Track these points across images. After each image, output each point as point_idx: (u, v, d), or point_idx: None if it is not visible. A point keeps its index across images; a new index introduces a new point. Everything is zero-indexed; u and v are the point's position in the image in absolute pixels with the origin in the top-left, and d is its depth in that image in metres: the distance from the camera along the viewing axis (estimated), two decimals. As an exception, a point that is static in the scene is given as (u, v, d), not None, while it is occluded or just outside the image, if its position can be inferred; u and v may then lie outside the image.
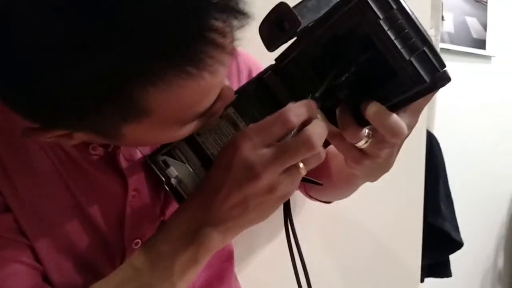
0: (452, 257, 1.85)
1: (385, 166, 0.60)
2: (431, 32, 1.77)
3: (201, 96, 0.48)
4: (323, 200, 0.90)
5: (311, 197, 0.91)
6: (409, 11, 0.46)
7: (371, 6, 0.45)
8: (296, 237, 0.61)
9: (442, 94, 1.82)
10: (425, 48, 0.46)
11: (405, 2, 0.46)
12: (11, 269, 0.59)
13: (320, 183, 0.68)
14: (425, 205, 1.32)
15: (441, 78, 0.47)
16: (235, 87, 0.60)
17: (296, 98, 0.53)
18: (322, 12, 0.51)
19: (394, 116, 0.50)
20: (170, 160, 0.59)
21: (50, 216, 0.62)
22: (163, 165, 0.59)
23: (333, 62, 0.52)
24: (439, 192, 1.72)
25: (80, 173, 0.62)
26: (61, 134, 0.50)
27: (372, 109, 0.50)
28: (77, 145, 0.58)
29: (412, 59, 0.46)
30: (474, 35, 2.26)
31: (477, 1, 2.28)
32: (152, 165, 0.60)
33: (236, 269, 0.87)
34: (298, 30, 0.51)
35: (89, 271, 0.65)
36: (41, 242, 0.62)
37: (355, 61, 0.50)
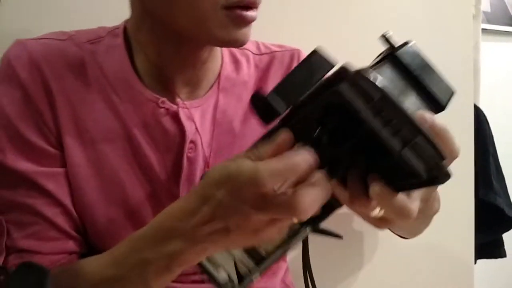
0: (506, 236, 1.77)
1: (400, 219, 0.52)
2: (471, 10, 1.71)
3: None
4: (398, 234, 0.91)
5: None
6: (394, 100, 0.41)
7: (349, 99, 0.41)
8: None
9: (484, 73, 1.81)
10: (418, 138, 0.41)
11: (388, 90, 0.41)
12: (46, 231, 0.70)
13: (341, 236, 0.68)
14: (476, 180, 1.27)
15: (439, 173, 0.42)
16: None
17: None
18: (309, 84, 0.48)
19: (399, 198, 0.46)
20: None
21: (110, 162, 0.74)
22: None
23: (328, 134, 0.48)
24: (490, 167, 1.65)
25: (145, 124, 0.75)
26: None
27: (375, 189, 0.46)
28: (149, 98, 0.75)
29: (405, 151, 0.41)
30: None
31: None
32: None
33: None
34: (289, 108, 0.48)
35: (138, 223, 0.70)
36: (95, 189, 0.73)
37: (354, 137, 0.46)
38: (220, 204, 0.48)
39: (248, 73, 0.86)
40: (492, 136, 1.74)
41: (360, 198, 0.48)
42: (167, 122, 0.76)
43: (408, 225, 0.79)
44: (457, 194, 1.21)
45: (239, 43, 0.70)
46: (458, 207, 1.22)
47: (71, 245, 0.72)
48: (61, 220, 0.71)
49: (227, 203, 0.47)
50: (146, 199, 0.75)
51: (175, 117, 0.76)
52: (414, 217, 0.47)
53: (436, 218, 0.73)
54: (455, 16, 1.26)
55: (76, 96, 0.73)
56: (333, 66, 0.49)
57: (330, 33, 1.15)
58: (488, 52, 2.07)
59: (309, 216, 0.46)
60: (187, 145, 0.76)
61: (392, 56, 0.52)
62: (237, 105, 0.83)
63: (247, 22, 0.68)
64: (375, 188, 0.45)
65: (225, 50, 0.86)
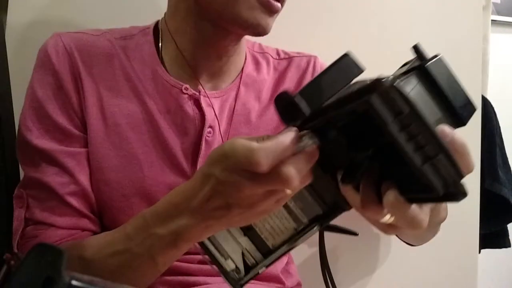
0: (510, 226, 1.77)
1: (412, 229, 0.52)
2: (481, 1, 1.71)
3: None
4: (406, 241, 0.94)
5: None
6: (422, 116, 0.41)
7: (378, 110, 0.41)
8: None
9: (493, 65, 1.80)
10: (440, 156, 0.41)
11: (418, 106, 0.41)
12: (60, 208, 0.75)
13: (356, 233, 0.74)
14: (482, 171, 1.27)
15: (456, 191, 0.42)
16: None
17: (321, 159, 0.50)
18: (339, 86, 0.49)
19: (413, 209, 0.46)
20: None
21: (131, 145, 0.79)
22: None
23: (351, 138, 0.49)
24: (496, 158, 1.65)
25: (168, 109, 0.82)
26: None
27: (389, 198, 0.46)
28: (173, 84, 0.82)
29: (425, 166, 0.41)
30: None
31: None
32: None
33: None
34: (313, 110, 0.48)
35: (153, 203, 0.73)
36: (115, 169, 0.78)
37: (375, 144, 0.46)
38: (218, 181, 0.50)
39: (267, 73, 0.93)
40: (499, 127, 1.73)
41: (372, 204, 0.49)
42: (189, 107, 0.83)
43: (416, 233, 0.81)
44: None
45: (261, 28, 0.77)
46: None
47: (84, 222, 0.77)
48: (75, 200, 0.76)
49: (224, 179, 0.49)
50: (163, 180, 0.80)
51: (196, 102, 0.83)
52: (425, 228, 0.47)
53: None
54: (465, 7, 1.26)
55: (103, 83, 0.81)
56: (362, 71, 0.50)
57: (340, 26, 1.16)
58: (498, 43, 2.08)
59: (296, 184, 0.47)
60: (206, 129, 0.82)
61: (421, 68, 0.52)
62: (255, 100, 0.90)
63: (273, 10, 0.76)
64: (389, 197, 0.46)
65: (248, 53, 0.93)
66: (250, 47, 0.96)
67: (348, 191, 0.52)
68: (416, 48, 0.54)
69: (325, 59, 1.00)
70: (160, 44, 0.86)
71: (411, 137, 0.41)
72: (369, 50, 1.16)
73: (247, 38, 0.92)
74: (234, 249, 0.58)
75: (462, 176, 0.42)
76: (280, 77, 0.94)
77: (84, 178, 0.78)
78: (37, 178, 0.76)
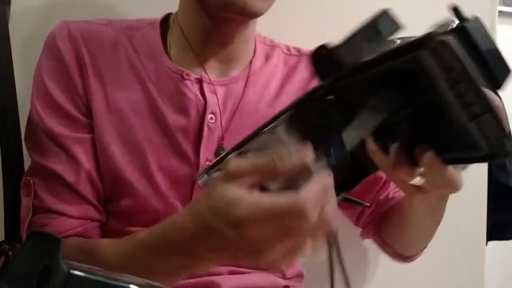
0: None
1: (450, 189, 0.54)
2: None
3: None
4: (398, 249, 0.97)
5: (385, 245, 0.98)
6: (472, 74, 0.41)
7: (428, 66, 0.41)
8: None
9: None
10: (487, 115, 0.41)
11: (470, 65, 0.41)
12: (68, 195, 0.77)
13: (367, 204, 0.78)
14: (489, 162, 1.26)
15: (501, 149, 0.42)
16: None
17: (348, 122, 0.49)
18: (376, 44, 0.48)
19: (449, 170, 0.47)
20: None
21: (134, 130, 0.80)
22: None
23: (389, 97, 0.48)
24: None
25: (171, 95, 0.82)
26: None
27: (426, 159, 0.47)
28: (175, 71, 0.83)
29: (471, 124, 0.41)
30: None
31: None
32: (204, 184, 0.58)
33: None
34: (355, 65, 0.47)
35: (155, 188, 0.79)
36: (119, 154, 0.79)
37: (416, 103, 0.46)
38: (221, 234, 0.48)
39: (277, 66, 0.93)
40: (507, 118, 1.71)
41: (404, 165, 0.49)
42: (191, 93, 0.83)
43: (424, 216, 0.83)
44: (470, 175, 1.21)
45: (235, 8, 0.75)
46: (471, 188, 1.22)
47: (92, 211, 0.78)
48: (83, 187, 0.77)
49: (251, 236, 0.46)
50: (166, 166, 0.81)
51: (199, 88, 0.84)
52: (460, 188, 0.49)
53: (449, 198, 0.74)
54: (472, -2, 1.25)
55: (107, 71, 0.82)
56: (400, 28, 0.49)
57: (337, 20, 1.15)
58: (505, 34, 2.05)
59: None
60: (208, 115, 0.83)
61: (462, 28, 0.50)
62: (264, 91, 0.90)
63: None
64: (427, 157, 0.46)
65: (259, 45, 0.93)
66: (261, 40, 0.96)
67: (376, 153, 0.52)
68: (455, 10, 0.53)
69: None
70: (168, 32, 0.88)
71: (459, 95, 0.41)
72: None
73: (258, 32, 0.93)
74: None
75: (508, 135, 0.42)
76: (290, 72, 0.94)
77: (91, 165, 0.79)
78: (45, 165, 0.77)
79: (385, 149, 0.52)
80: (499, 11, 1.91)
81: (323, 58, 0.49)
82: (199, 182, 0.61)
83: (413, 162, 0.50)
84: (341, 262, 0.56)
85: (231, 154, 0.57)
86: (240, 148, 0.57)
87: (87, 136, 0.79)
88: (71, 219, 0.76)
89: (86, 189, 0.78)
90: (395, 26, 0.49)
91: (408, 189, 0.55)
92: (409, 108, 0.47)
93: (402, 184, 0.55)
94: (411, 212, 0.84)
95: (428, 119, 0.46)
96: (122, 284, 0.36)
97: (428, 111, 0.45)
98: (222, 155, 0.59)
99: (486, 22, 1.27)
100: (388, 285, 1.02)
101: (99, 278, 0.35)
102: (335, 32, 1.12)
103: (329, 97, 0.55)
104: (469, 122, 0.41)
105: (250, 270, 0.83)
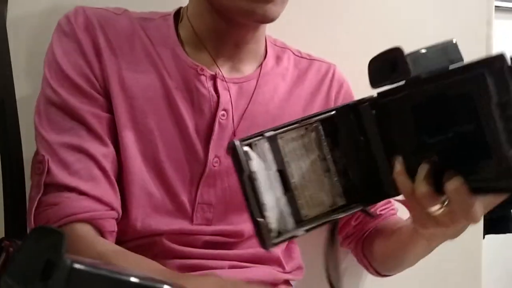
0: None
1: (451, 235, 0.57)
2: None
3: None
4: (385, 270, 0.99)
5: (364, 259, 1.00)
6: None
7: (488, 86, 0.40)
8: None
9: (496, 51, 1.76)
10: None
11: None
12: (89, 169, 0.75)
13: (374, 214, 0.78)
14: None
15: None
16: (324, 98, 0.94)
17: (384, 138, 0.51)
18: (438, 65, 0.48)
19: (474, 199, 0.46)
20: (252, 153, 0.56)
21: (147, 118, 0.80)
22: (244, 156, 0.55)
23: (433, 119, 0.48)
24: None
25: (184, 87, 0.83)
26: None
27: (454, 185, 0.46)
28: (190, 65, 0.83)
29: (510, 153, 0.41)
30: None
31: None
32: (237, 150, 0.56)
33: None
34: (408, 78, 0.48)
35: (162, 179, 0.80)
36: (131, 140, 0.79)
37: (455, 128, 0.46)
38: None
39: (287, 68, 0.94)
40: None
41: (428, 189, 0.49)
42: (204, 88, 0.83)
43: (427, 245, 0.83)
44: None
45: (257, 16, 0.77)
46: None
47: (111, 195, 0.76)
48: (104, 160, 0.76)
49: None
50: (175, 158, 0.81)
51: (213, 84, 0.84)
52: (478, 221, 0.48)
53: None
54: (468, -8, 1.25)
55: (122, 56, 0.82)
56: (461, 61, 0.49)
57: (340, 24, 1.16)
58: (501, 29, 2.05)
59: None
60: (220, 111, 0.83)
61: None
62: (274, 92, 0.91)
63: None
64: (455, 184, 0.46)
65: (270, 46, 0.94)
66: (271, 41, 0.96)
67: (400, 176, 0.52)
68: None
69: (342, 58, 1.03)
70: (179, 26, 0.88)
71: (508, 124, 0.41)
72: (372, 36, 1.16)
73: (269, 33, 0.94)
74: (272, 208, 0.56)
75: None
76: (300, 75, 0.95)
77: (110, 142, 0.78)
78: (63, 141, 0.75)
79: (410, 172, 0.51)
80: (496, 6, 1.91)
81: (389, 59, 0.49)
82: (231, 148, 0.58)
83: (437, 189, 0.49)
84: (336, 257, 0.57)
85: (268, 133, 0.57)
86: (276, 130, 0.57)
87: (105, 114, 0.79)
88: (87, 199, 0.73)
89: (104, 162, 0.76)
90: (460, 57, 0.49)
91: (422, 219, 0.54)
92: (449, 132, 0.47)
93: (418, 211, 0.54)
94: (409, 242, 0.83)
95: (465, 145, 0.45)
96: (124, 277, 0.36)
97: (467, 136, 0.44)
98: (259, 132, 0.57)
99: (483, 17, 1.28)
100: (384, 278, 1.02)
101: (102, 272, 0.35)
102: (341, 37, 1.15)
103: (372, 111, 0.56)
104: (510, 151, 0.41)
105: (250, 264, 0.83)
